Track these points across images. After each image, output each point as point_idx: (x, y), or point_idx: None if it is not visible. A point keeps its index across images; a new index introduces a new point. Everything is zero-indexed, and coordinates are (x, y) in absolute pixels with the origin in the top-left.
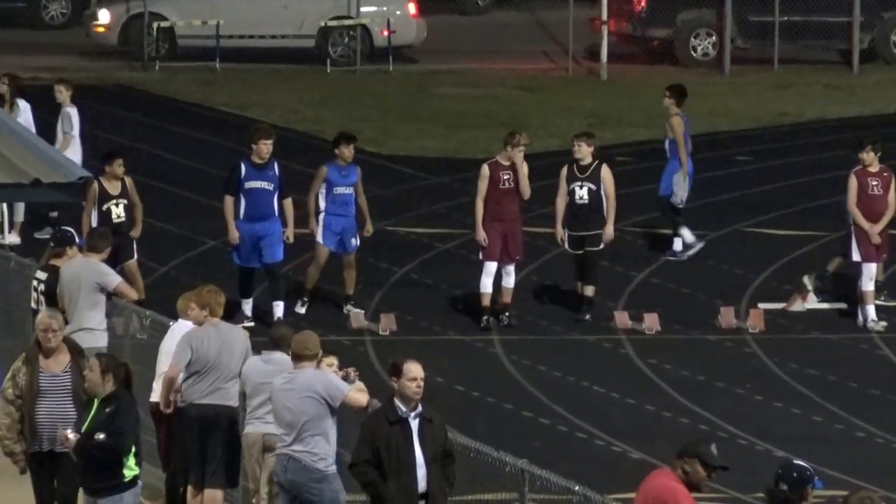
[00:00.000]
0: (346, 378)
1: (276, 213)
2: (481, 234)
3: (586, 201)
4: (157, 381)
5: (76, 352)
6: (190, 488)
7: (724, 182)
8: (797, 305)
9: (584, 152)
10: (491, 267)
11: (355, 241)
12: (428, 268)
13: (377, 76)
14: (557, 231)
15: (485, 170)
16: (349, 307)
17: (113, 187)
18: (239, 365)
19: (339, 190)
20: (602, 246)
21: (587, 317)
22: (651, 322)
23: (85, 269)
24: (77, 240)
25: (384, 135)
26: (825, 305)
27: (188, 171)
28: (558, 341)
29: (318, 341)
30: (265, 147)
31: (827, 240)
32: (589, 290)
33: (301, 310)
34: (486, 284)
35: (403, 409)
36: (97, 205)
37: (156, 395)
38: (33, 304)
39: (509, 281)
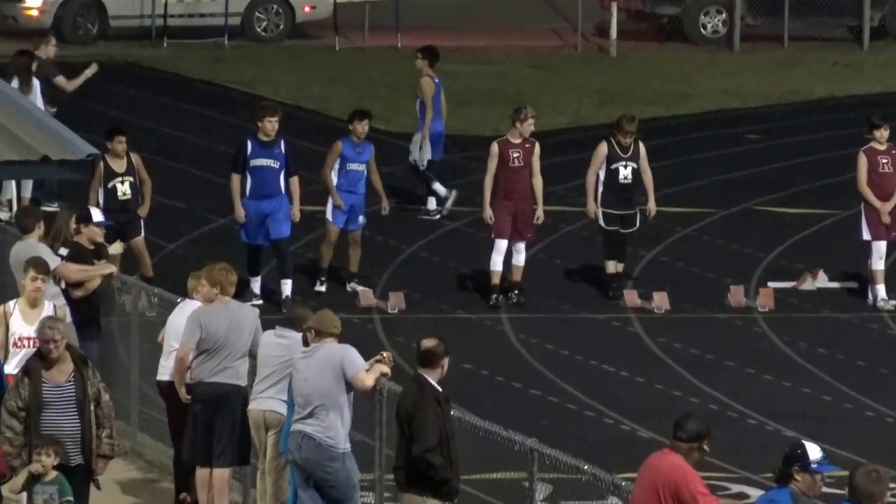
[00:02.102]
0: (379, 361)
1: (283, 191)
2: (488, 213)
3: (630, 180)
4: (163, 359)
5: (80, 361)
6: (198, 467)
7: (733, 160)
8: (807, 284)
9: (633, 133)
10: (501, 245)
11: (362, 219)
12: (437, 246)
13: (386, 53)
14: (590, 207)
15: (494, 148)
16: (353, 285)
17: (118, 165)
18: (248, 344)
19: (352, 166)
20: (638, 224)
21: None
22: (660, 301)
23: (23, 252)
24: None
25: (393, 112)
26: (835, 284)
27: (196, 148)
28: (567, 320)
29: (334, 320)
30: (270, 125)
31: (836, 218)
32: (620, 267)
33: (321, 288)
34: (496, 262)
35: (440, 389)
36: (103, 182)
37: (164, 374)
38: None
39: (519, 259)
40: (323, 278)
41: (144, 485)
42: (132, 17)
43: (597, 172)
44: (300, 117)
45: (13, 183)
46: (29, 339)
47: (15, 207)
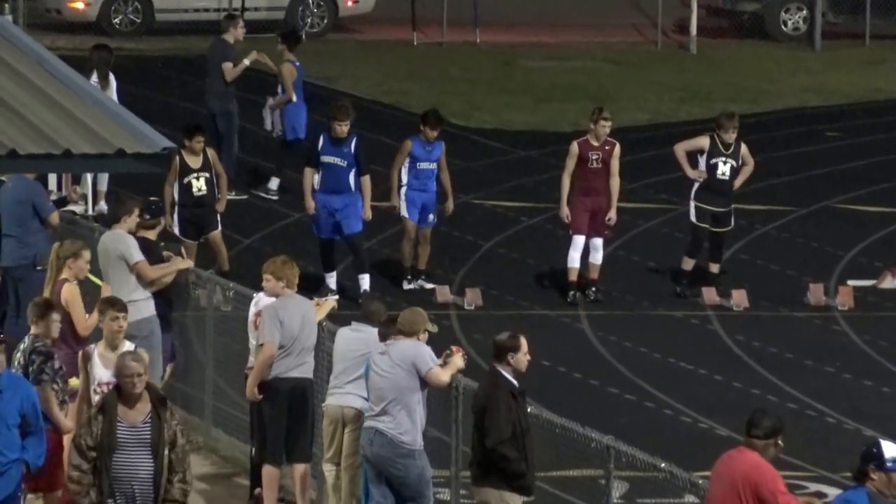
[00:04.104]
0: (447, 355)
1: (353, 188)
2: (564, 211)
3: (727, 178)
4: (252, 355)
5: (158, 401)
6: (269, 465)
7: (813, 158)
8: (888, 283)
9: (734, 129)
10: (578, 241)
11: (433, 218)
12: (514, 242)
13: (465, 49)
14: (690, 173)
15: (574, 148)
16: (421, 282)
17: (194, 161)
18: (314, 337)
19: (423, 165)
20: (732, 224)
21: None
22: (739, 298)
23: (111, 241)
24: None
25: (471, 108)
26: None
27: (273, 142)
28: (645, 317)
29: (422, 319)
30: (339, 128)
31: None
32: (716, 268)
33: (411, 286)
34: (574, 259)
35: (516, 383)
36: (178, 178)
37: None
38: None
39: (597, 256)
40: (409, 276)
41: (219, 480)
42: (178, 11)
43: (686, 149)
44: (379, 112)
45: (88, 176)
46: (109, 384)
47: (90, 201)
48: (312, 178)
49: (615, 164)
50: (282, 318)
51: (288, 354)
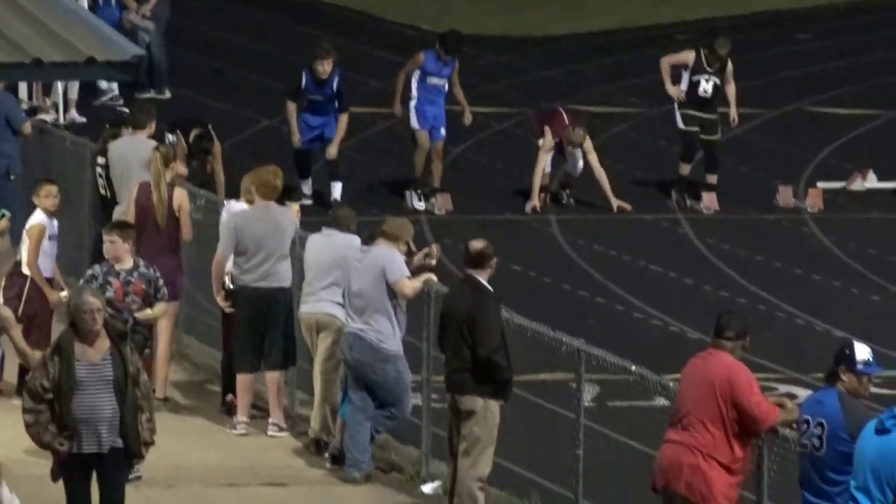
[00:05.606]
0: (427, 255)
1: (336, 114)
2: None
3: (709, 95)
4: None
5: (118, 337)
6: (241, 372)
7: (783, 60)
8: (857, 184)
9: (723, 60)
10: (549, 146)
11: (443, 131)
12: (484, 147)
13: None
14: (671, 90)
15: (548, 142)
16: (434, 200)
17: None
18: (288, 245)
19: (433, 81)
20: (720, 133)
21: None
22: (709, 201)
23: (131, 148)
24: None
25: (443, 13)
26: (885, 184)
27: (242, 49)
28: (615, 220)
29: (409, 229)
30: (321, 67)
31: (886, 118)
32: (713, 178)
33: (420, 204)
34: (545, 163)
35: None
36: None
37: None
38: (101, 191)
39: (576, 168)
40: (419, 191)
41: (192, 387)
42: None
43: (671, 63)
44: (349, 19)
45: (59, 85)
46: None
47: (61, 109)
48: (295, 112)
49: (594, 159)
50: (238, 227)
51: (251, 263)
